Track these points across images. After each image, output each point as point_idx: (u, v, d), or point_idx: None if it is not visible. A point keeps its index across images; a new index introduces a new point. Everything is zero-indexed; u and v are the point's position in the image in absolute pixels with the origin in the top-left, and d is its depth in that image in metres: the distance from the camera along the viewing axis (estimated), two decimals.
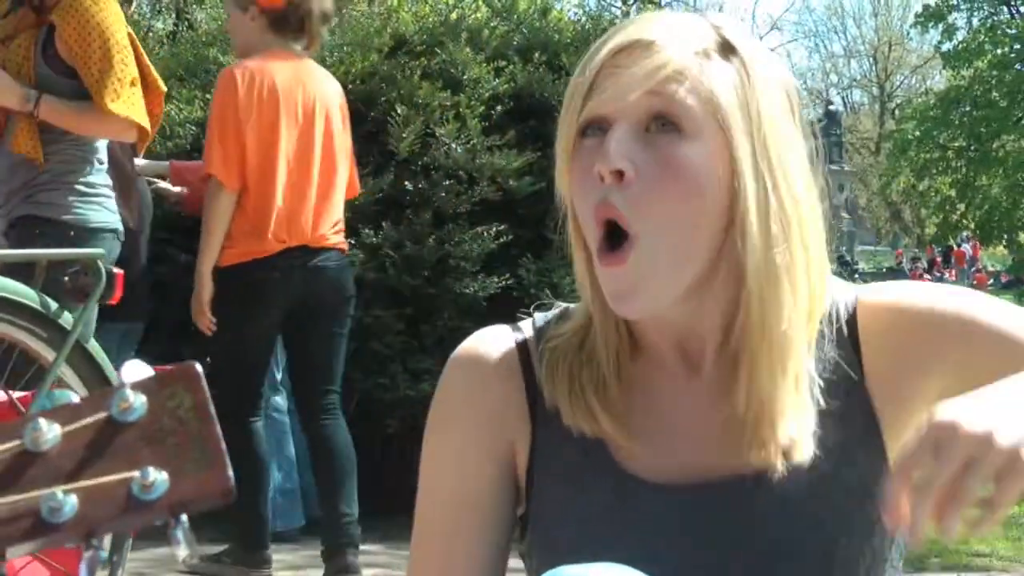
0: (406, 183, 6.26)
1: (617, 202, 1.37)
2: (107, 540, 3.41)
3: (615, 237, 1.38)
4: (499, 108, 6.54)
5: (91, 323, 3.76)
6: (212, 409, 0.94)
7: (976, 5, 35.87)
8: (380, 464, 5.95)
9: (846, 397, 1.47)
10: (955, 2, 35.35)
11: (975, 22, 35.60)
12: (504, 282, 6.10)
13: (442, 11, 7.56)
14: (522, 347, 1.55)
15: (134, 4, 14.00)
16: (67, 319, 3.55)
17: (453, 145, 6.29)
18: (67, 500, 0.90)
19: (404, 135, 6.31)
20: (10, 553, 0.91)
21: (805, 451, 1.42)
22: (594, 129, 1.41)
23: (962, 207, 34.23)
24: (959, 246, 42.20)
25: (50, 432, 0.92)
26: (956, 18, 35.52)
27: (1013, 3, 35.54)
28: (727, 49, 1.42)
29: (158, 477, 0.90)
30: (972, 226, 34.78)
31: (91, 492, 0.90)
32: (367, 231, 6.10)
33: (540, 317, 1.59)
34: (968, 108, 33.32)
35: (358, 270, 5.97)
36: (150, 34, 13.90)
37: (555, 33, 7.27)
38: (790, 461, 1.43)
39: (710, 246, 1.41)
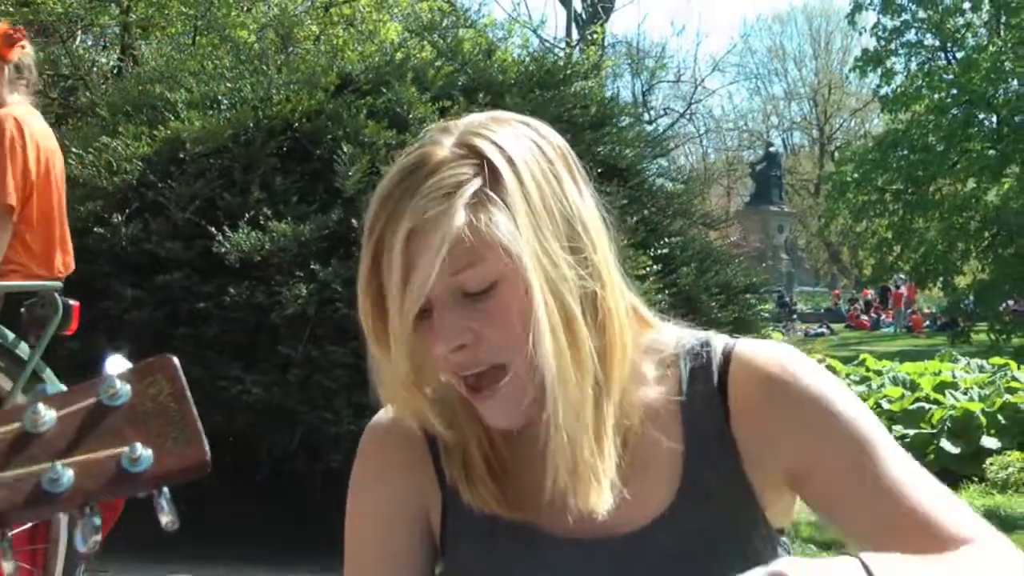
0: (352, 220, 6.32)
1: (470, 365, 1.47)
2: (61, 558, 3.46)
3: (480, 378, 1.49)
4: None
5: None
6: (188, 394, 1.07)
7: (914, 50, 36.36)
8: (321, 499, 5.98)
9: (716, 442, 1.54)
10: (893, 47, 35.84)
11: (913, 67, 36.06)
12: None
13: (387, 51, 7.66)
14: None
15: (77, 39, 13.97)
16: (23, 349, 3.60)
17: None
18: (65, 473, 1.01)
19: (350, 173, 6.37)
20: (14, 520, 1.01)
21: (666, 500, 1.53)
22: (425, 314, 1.47)
23: (898, 249, 34.55)
24: (896, 288, 42.54)
25: (47, 415, 1.04)
26: (894, 63, 35.99)
27: (950, 49, 36.05)
28: (491, 171, 1.45)
29: (144, 453, 1.03)
30: (908, 268, 35.09)
31: (86, 465, 1.02)
32: (315, 267, 6.15)
33: None
34: (905, 151, 33.66)
35: (306, 305, 6.03)
36: (94, 69, 13.88)
37: (499, 74, 7.38)
38: (677, 511, 1.53)
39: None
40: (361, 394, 6.10)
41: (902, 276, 38.91)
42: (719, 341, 1.59)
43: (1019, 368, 13.38)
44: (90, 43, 15.02)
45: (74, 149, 6.85)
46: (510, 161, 1.45)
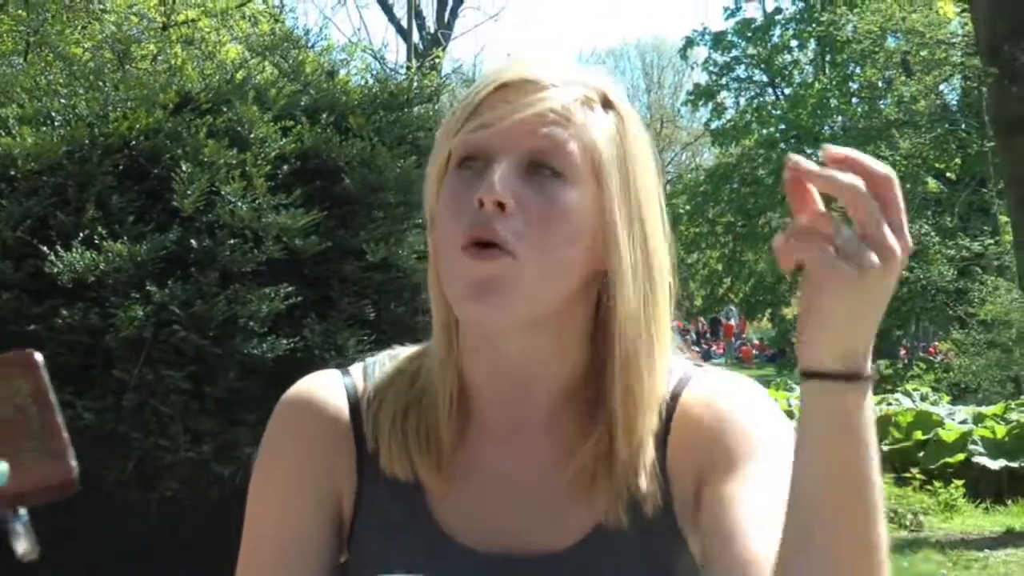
0: (191, 240, 6.16)
1: (499, 227, 1.35)
2: None
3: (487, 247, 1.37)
4: (286, 168, 6.50)
5: None
6: (52, 397, 0.90)
7: (743, 86, 37.25)
8: (157, 529, 5.81)
9: (652, 468, 1.46)
10: (724, 82, 36.65)
11: (743, 102, 36.95)
12: (292, 344, 6.04)
13: (228, 70, 7.53)
14: (351, 393, 1.53)
15: None
16: None
17: (239, 203, 6.23)
18: None
19: (189, 192, 6.22)
20: None
21: (624, 519, 1.44)
22: (472, 162, 1.40)
23: (729, 281, 35.25)
24: (727, 319, 43.32)
25: None
26: (725, 97, 36.85)
27: (778, 85, 36.98)
28: (606, 103, 1.43)
29: None
30: (738, 299, 35.81)
31: None
32: (152, 288, 5.97)
33: (371, 361, 1.58)
34: (736, 185, 34.44)
35: (142, 327, 5.85)
36: None
37: (342, 95, 7.29)
38: (605, 533, 1.44)
39: (577, 285, 1.42)
40: (198, 420, 5.95)
41: (732, 308, 39.66)
42: (679, 370, 1.52)
43: None
44: None
45: None
46: (627, 108, 1.46)
